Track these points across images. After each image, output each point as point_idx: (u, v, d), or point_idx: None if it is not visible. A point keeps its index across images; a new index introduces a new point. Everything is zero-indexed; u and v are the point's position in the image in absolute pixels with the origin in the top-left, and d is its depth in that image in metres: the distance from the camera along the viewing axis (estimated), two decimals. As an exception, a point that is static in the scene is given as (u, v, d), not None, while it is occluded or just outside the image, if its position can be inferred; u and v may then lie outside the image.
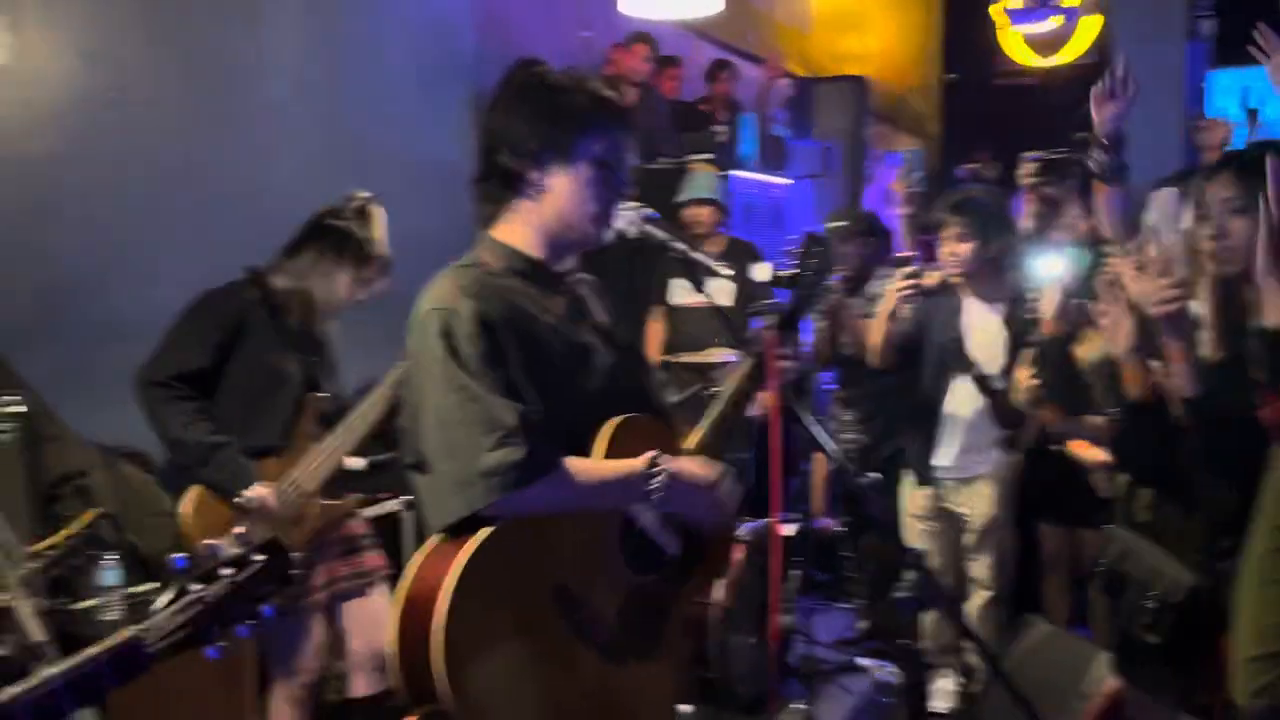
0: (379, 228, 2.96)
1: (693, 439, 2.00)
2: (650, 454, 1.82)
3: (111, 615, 3.02)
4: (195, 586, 1.11)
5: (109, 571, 3.04)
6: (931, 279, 3.71)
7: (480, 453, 1.66)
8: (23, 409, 2.03)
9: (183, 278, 3.82)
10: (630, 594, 1.86)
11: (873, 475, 4.23)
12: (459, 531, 1.70)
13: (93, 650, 1.07)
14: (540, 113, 1.82)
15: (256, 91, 4.11)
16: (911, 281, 3.58)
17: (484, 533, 1.67)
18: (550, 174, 1.82)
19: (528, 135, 1.81)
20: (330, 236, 2.91)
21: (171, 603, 1.11)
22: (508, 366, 1.74)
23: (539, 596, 1.73)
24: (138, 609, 3.02)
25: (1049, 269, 3.51)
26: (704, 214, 4.71)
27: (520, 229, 1.87)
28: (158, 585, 3.18)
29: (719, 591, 3.62)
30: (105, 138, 3.57)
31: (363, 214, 2.95)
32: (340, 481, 2.88)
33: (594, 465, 1.80)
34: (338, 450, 2.81)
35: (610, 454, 1.83)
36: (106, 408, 3.43)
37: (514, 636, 1.68)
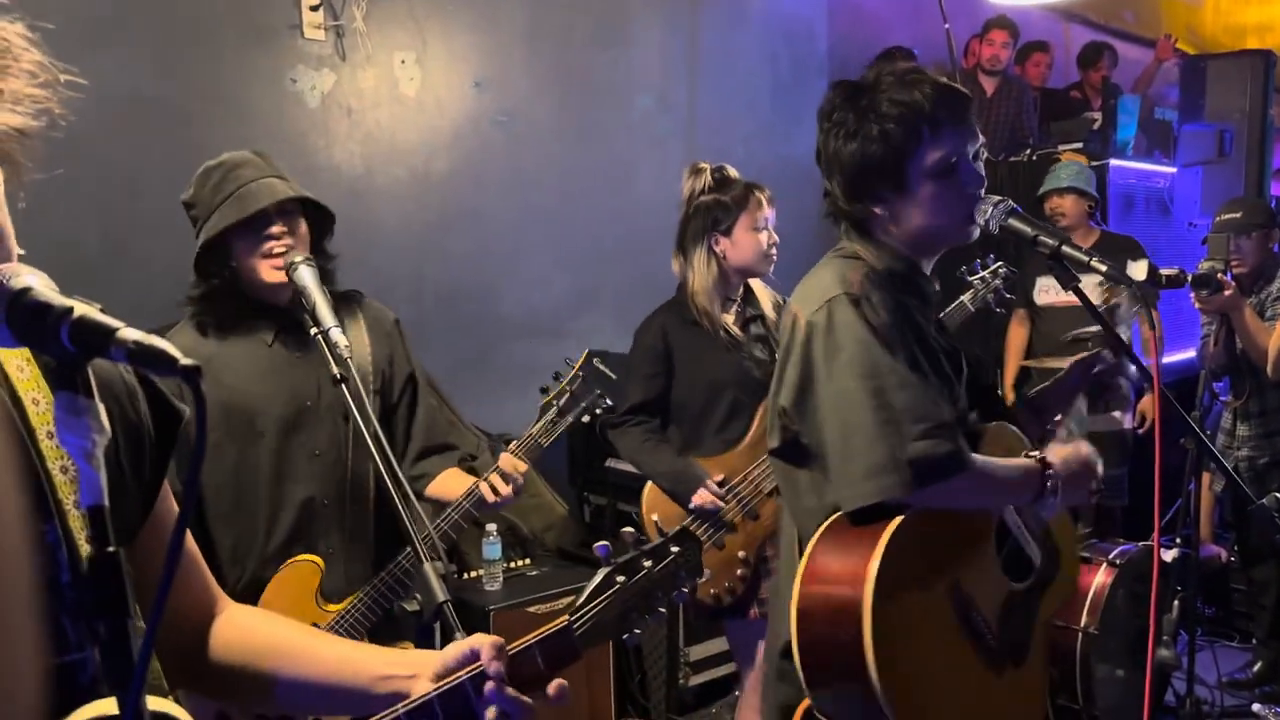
0: (707, 175, 2.87)
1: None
2: (1033, 453, 1.77)
3: (493, 586, 3.37)
4: (619, 578, 1.13)
5: (493, 546, 3.40)
6: None
7: (907, 441, 1.60)
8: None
9: (562, 282, 4.19)
10: (1007, 600, 1.80)
11: (1272, 496, 3.76)
12: (854, 523, 1.67)
13: (529, 638, 1.12)
14: (860, 151, 1.73)
15: (624, 108, 4.38)
16: None
17: (898, 520, 1.64)
18: (892, 206, 1.75)
19: (854, 177, 1.74)
20: (685, 229, 2.87)
21: (597, 592, 1.14)
22: (919, 359, 1.69)
23: (942, 587, 1.70)
24: (514, 580, 3.35)
25: None
26: (1066, 204, 4.37)
27: (883, 238, 1.81)
28: (529, 561, 3.52)
29: (1083, 615, 3.39)
30: (495, 156, 3.97)
31: (697, 174, 2.89)
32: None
33: (998, 462, 1.73)
34: None
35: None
36: (491, 398, 3.83)
37: (927, 621, 1.67)
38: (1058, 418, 1.96)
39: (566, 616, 1.13)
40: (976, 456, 1.68)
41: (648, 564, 1.14)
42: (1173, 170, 5.56)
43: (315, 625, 2.03)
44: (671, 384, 2.85)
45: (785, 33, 4.95)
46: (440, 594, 1.51)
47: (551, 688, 1.11)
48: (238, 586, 2.06)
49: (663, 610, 1.15)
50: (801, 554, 1.71)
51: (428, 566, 1.51)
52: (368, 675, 1.15)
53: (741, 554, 2.74)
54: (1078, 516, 3.86)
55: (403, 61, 3.72)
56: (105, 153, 3.02)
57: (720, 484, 2.75)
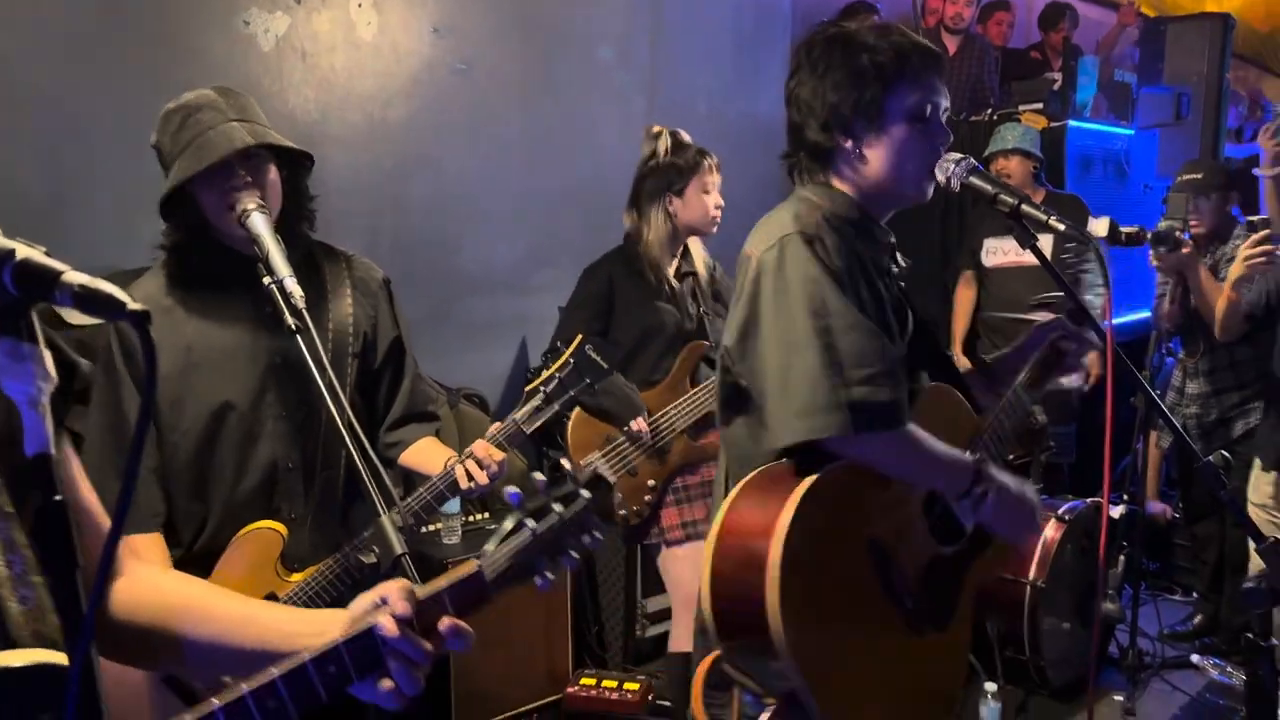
0: (666, 139, 3.09)
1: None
2: (977, 455, 1.77)
3: (452, 540, 3.37)
4: (529, 522, 1.14)
5: (450, 501, 3.39)
6: None
7: (849, 384, 1.59)
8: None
9: (521, 235, 4.15)
10: (931, 563, 1.81)
11: (1218, 454, 3.85)
12: (777, 470, 1.68)
13: (438, 582, 1.13)
14: (843, 78, 1.74)
15: (585, 59, 4.32)
16: (1266, 248, 3.19)
17: (816, 476, 1.63)
18: (864, 142, 1.76)
19: (835, 104, 1.75)
20: (641, 189, 3.09)
21: (507, 537, 1.14)
22: (867, 306, 1.68)
23: (859, 546, 1.70)
24: (473, 534, 3.35)
25: None
26: (1012, 165, 4.42)
27: (841, 189, 1.82)
28: (488, 515, 3.52)
29: (1031, 569, 3.46)
30: (454, 104, 3.90)
31: (656, 139, 3.11)
32: (708, 424, 3.01)
33: (932, 441, 1.71)
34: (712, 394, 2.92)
35: (921, 421, 1.75)
36: (452, 353, 3.79)
37: (841, 580, 1.66)
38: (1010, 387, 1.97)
39: (476, 561, 1.13)
40: (914, 426, 1.68)
41: (558, 509, 1.15)
42: (1131, 132, 5.61)
43: (273, 596, 1.97)
44: (609, 326, 3.08)
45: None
46: (398, 546, 1.50)
47: (443, 625, 1.11)
48: (193, 549, 1.98)
49: (574, 554, 1.16)
50: None
51: (385, 518, 1.49)
52: (276, 633, 1.12)
53: (651, 482, 3.00)
54: (1027, 472, 3.93)
55: (359, 5, 3.63)
56: (50, 96, 2.92)
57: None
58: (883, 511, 1.74)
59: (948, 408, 1.87)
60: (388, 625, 1.08)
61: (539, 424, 2.23)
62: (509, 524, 1.15)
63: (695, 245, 3.17)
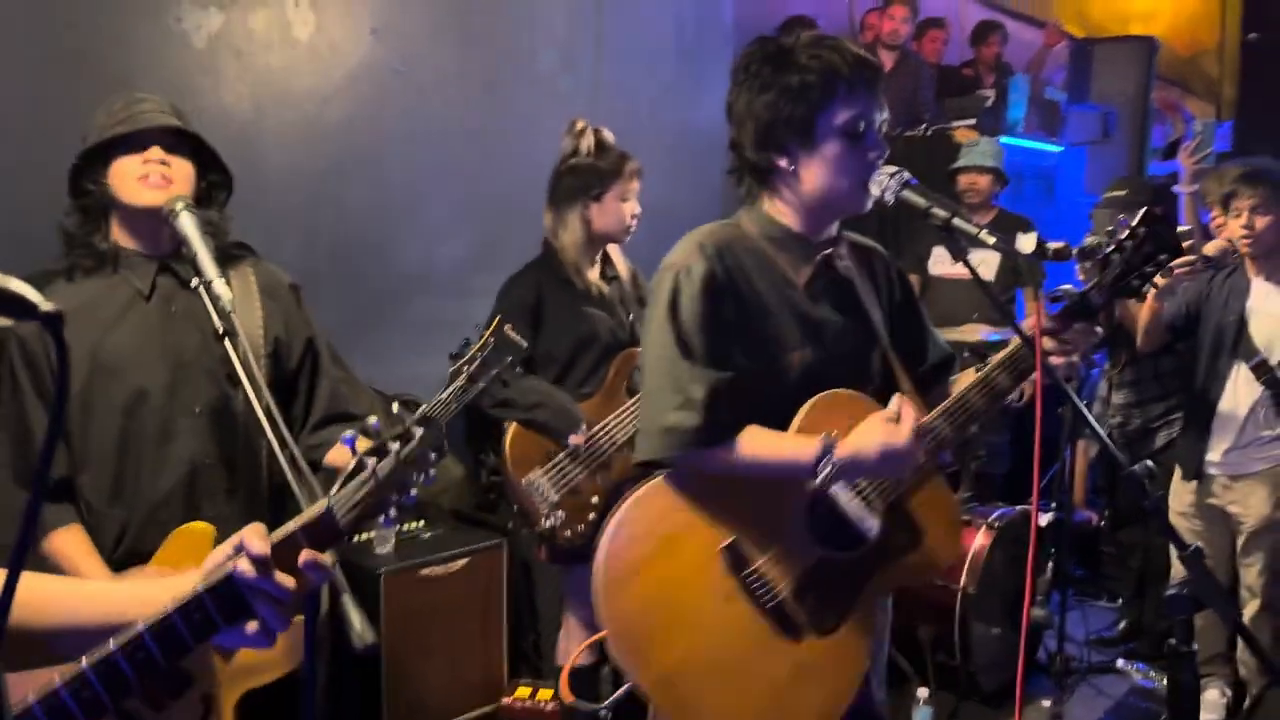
0: (590, 138, 2.99)
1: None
2: (824, 437, 1.77)
3: (384, 549, 3.31)
4: (370, 459, 1.19)
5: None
6: (1209, 250, 3.39)
7: (667, 410, 1.78)
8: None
9: (459, 237, 4.11)
10: (816, 567, 1.84)
11: (1143, 464, 3.94)
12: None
13: (290, 524, 1.17)
14: (775, 99, 1.79)
15: (527, 64, 4.29)
16: (1189, 258, 3.28)
17: (651, 482, 1.84)
18: (798, 160, 1.81)
19: (769, 122, 1.80)
20: (559, 185, 2.99)
21: (352, 474, 1.19)
22: (721, 331, 1.81)
23: (703, 548, 1.81)
24: (407, 543, 3.29)
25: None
26: (982, 182, 4.51)
27: (781, 207, 1.89)
28: (424, 523, 3.47)
29: (962, 575, 3.51)
30: (392, 105, 3.85)
31: (579, 135, 3.00)
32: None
33: (770, 442, 1.80)
34: None
35: (805, 430, 1.81)
36: (388, 357, 3.74)
37: (667, 578, 1.80)
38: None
39: (325, 499, 1.19)
40: (752, 432, 1.79)
41: (395, 446, 1.20)
42: (1060, 149, 5.76)
43: None
44: (538, 336, 2.92)
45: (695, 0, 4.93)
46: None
47: (302, 559, 1.15)
48: (115, 555, 1.93)
49: (414, 492, 1.22)
50: None
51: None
52: (135, 606, 1.15)
53: (595, 499, 2.85)
54: (958, 481, 3.99)
55: (296, 4, 3.56)
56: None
57: None
58: (744, 512, 1.83)
59: (850, 411, 1.85)
60: (244, 567, 1.12)
61: (463, 404, 2.23)
62: (352, 463, 1.20)
63: (615, 252, 3.09)
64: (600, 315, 2.95)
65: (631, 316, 3.02)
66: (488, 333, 2.30)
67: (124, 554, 1.94)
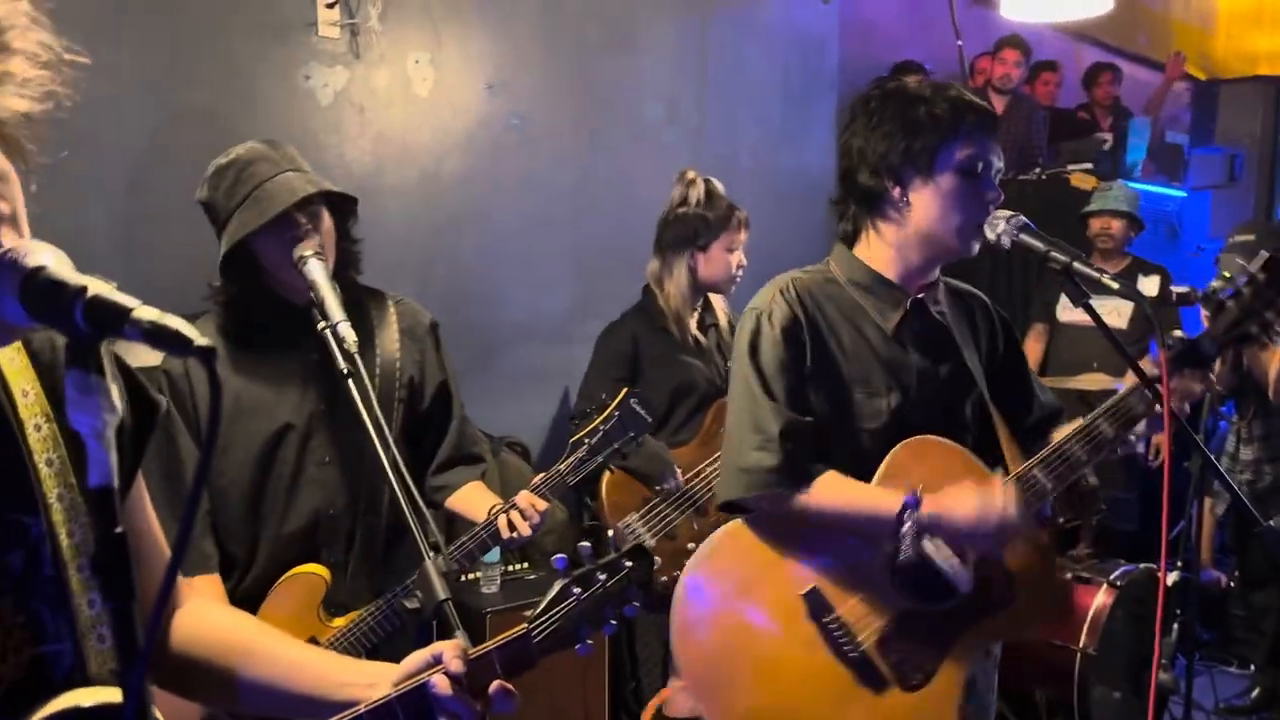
0: (700, 187, 3.03)
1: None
2: (907, 492, 1.71)
3: (491, 589, 3.36)
4: (575, 589, 1.18)
5: (491, 550, 3.38)
6: None
7: (747, 450, 1.78)
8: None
9: (563, 285, 4.18)
10: (901, 617, 1.79)
11: (1277, 522, 3.74)
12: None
13: (489, 645, 1.16)
14: (897, 128, 1.79)
15: (634, 115, 4.37)
16: None
17: (731, 523, 1.84)
18: (911, 189, 1.80)
19: (886, 152, 1.80)
20: (667, 233, 3.04)
21: (554, 602, 1.19)
22: (800, 374, 1.81)
23: (784, 592, 1.79)
24: (511, 585, 3.33)
25: None
26: (1116, 226, 4.39)
27: (879, 247, 1.87)
28: (527, 565, 3.51)
29: (1082, 635, 3.37)
30: (505, 159, 3.97)
31: (689, 185, 3.05)
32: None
33: (849, 492, 1.78)
34: None
35: (890, 476, 1.78)
36: (497, 402, 3.81)
37: (747, 621, 1.79)
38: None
39: (525, 625, 1.18)
40: (831, 478, 1.77)
41: (602, 577, 1.20)
42: (1183, 194, 5.57)
43: (315, 640, 1.98)
44: (637, 386, 2.90)
45: (796, 46, 4.95)
46: (441, 592, 1.50)
47: (493, 688, 1.15)
48: (236, 592, 2.00)
49: (614, 622, 1.21)
50: None
51: (428, 563, 1.50)
52: (329, 681, 1.15)
53: (690, 545, 2.83)
54: (1079, 537, 3.84)
55: (416, 61, 3.71)
56: (115, 144, 3.01)
57: None
58: (818, 558, 1.81)
59: (939, 460, 1.82)
60: (441, 683, 1.11)
61: (582, 476, 2.23)
62: (555, 589, 1.19)
63: (716, 298, 3.11)
64: (697, 365, 2.98)
65: (729, 364, 3.01)
66: (613, 404, 2.27)
67: (244, 593, 2.01)
